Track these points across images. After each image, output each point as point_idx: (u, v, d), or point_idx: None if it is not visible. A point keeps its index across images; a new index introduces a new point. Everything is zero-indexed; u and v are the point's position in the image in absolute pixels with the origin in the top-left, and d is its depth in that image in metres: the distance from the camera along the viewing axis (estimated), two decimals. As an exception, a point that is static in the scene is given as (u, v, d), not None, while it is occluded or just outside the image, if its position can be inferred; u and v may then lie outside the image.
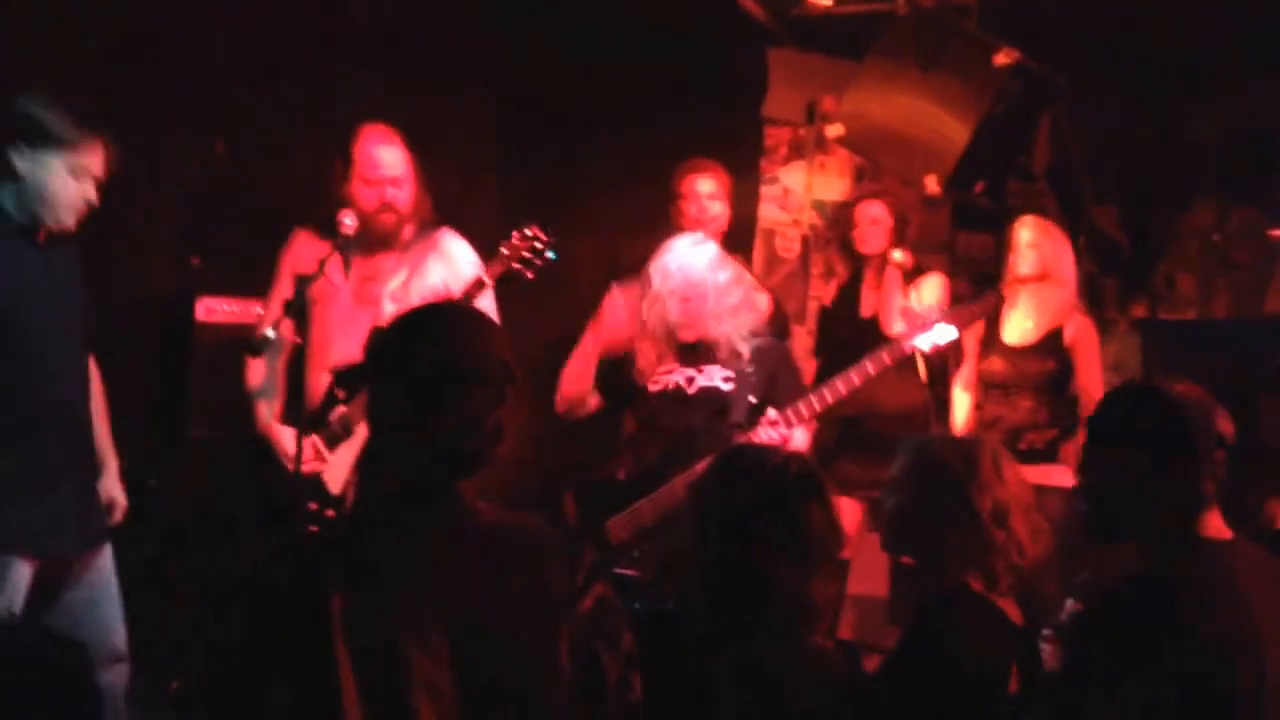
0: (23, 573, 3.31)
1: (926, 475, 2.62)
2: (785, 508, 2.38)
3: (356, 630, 1.95)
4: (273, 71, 4.72)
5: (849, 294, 5.12)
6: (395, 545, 2.05)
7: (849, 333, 5.01)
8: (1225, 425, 2.38)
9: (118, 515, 3.63)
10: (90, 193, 3.34)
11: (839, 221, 5.28)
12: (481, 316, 2.27)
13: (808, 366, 5.18)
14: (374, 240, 3.94)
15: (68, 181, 3.29)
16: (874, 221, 4.98)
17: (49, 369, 3.35)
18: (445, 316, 2.23)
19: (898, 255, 4.86)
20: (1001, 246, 5.05)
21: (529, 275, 3.91)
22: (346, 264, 3.81)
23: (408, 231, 4.02)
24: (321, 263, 3.72)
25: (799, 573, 2.37)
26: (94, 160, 3.32)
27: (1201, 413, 2.37)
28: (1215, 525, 2.40)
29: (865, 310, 5.05)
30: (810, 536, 2.39)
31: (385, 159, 3.92)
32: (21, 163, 3.27)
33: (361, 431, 3.78)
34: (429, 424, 2.09)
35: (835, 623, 5.07)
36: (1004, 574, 2.55)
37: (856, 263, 5.10)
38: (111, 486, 3.62)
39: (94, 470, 3.55)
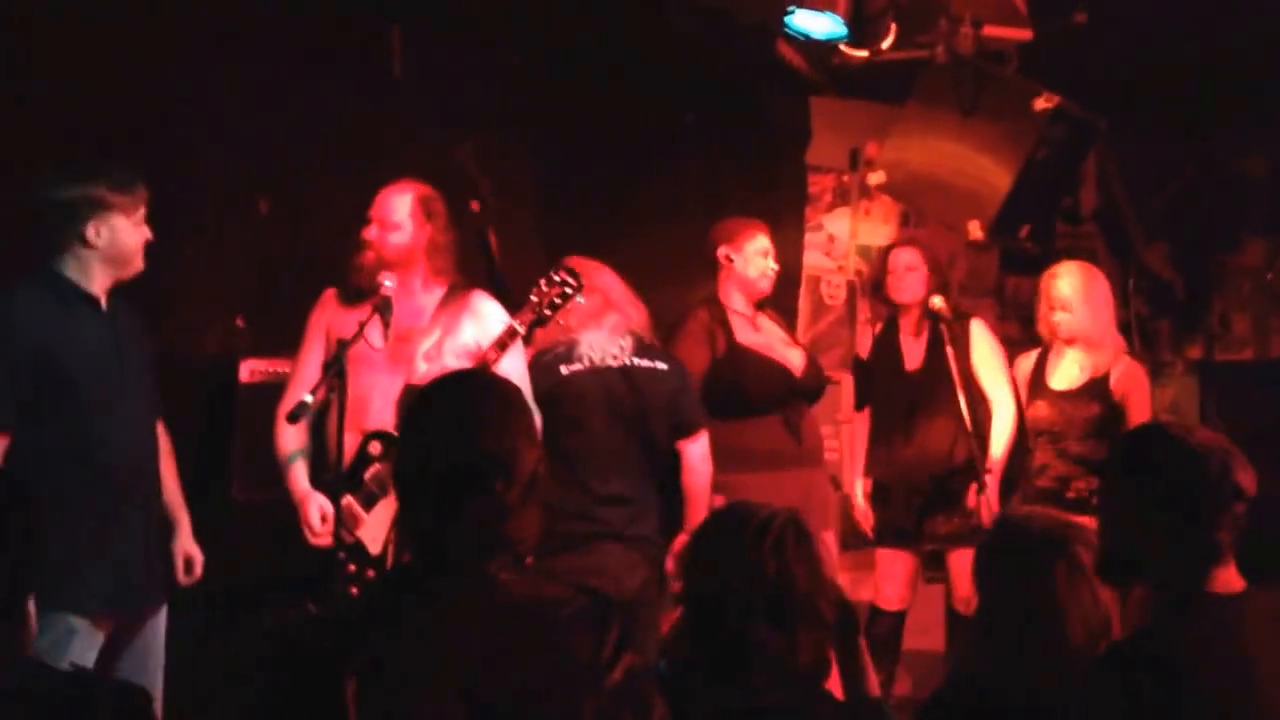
0: (95, 635, 3.37)
1: (998, 553, 2.60)
2: (764, 570, 2.33)
3: (371, 709, 1.94)
4: (315, 131, 4.75)
5: (887, 346, 5.04)
6: (416, 621, 2.03)
7: (896, 387, 4.93)
8: (1245, 478, 2.32)
9: (197, 570, 3.76)
10: (148, 232, 3.53)
11: (873, 268, 5.24)
12: (515, 406, 2.21)
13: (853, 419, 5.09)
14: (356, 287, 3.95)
15: (134, 235, 3.48)
16: (909, 269, 4.90)
17: (116, 434, 3.45)
18: (478, 406, 2.18)
19: (937, 301, 4.79)
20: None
21: (560, 321, 3.93)
22: (386, 325, 3.80)
23: (435, 290, 4.02)
24: (361, 325, 3.73)
25: (780, 636, 2.31)
26: (144, 206, 3.51)
27: (1217, 461, 2.31)
28: (1226, 578, 2.33)
29: (909, 363, 4.95)
30: (792, 598, 2.33)
31: (385, 201, 3.96)
32: (97, 237, 3.41)
33: None
34: (455, 513, 2.07)
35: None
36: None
37: (891, 310, 5.03)
38: (187, 543, 3.75)
39: (158, 532, 3.62)
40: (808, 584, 2.34)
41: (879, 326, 5.12)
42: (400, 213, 3.96)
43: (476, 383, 2.35)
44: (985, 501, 4.66)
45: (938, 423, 4.82)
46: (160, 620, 3.59)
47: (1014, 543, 2.60)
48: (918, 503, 4.83)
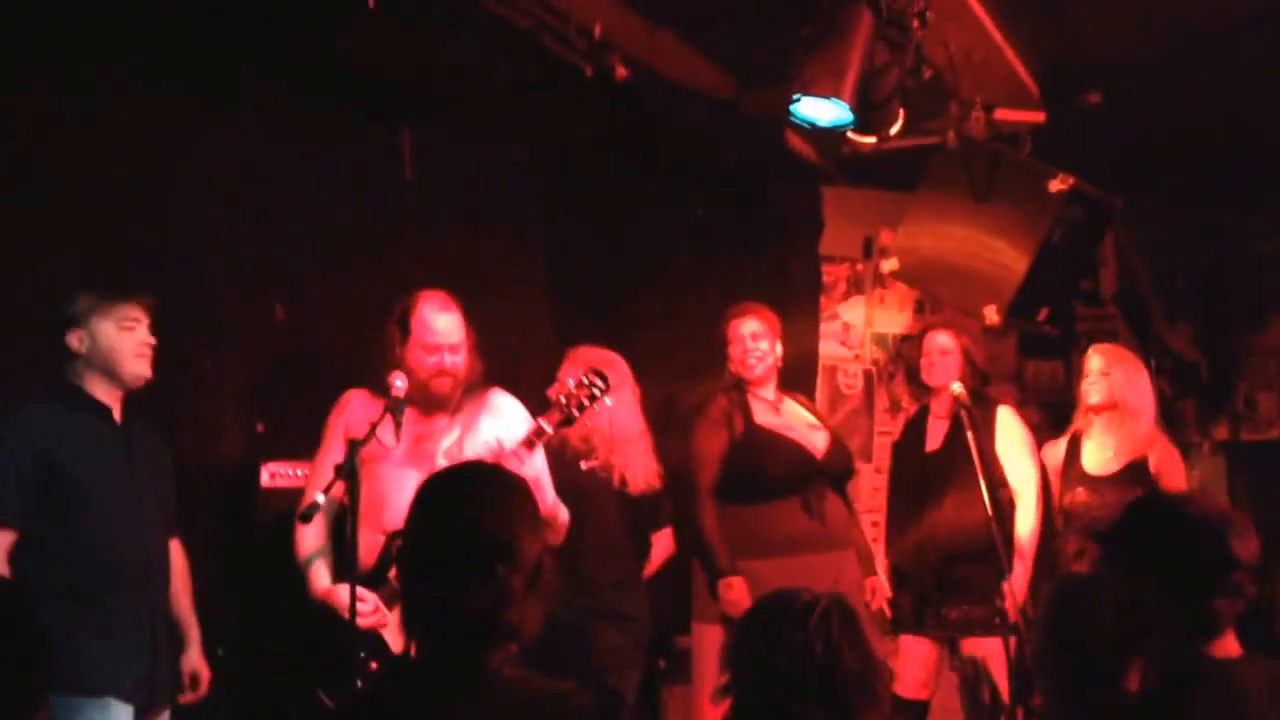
0: (122, 713, 3.42)
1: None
2: (811, 651, 2.28)
3: None
4: (329, 235, 4.78)
5: (915, 429, 5.03)
6: (415, 715, 2.02)
7: (914, 469, 4.90)
8: (1243, 547, 2.34)
9: (202, 688, 3.80)
10: (146, 336, 3.61)
11: (901, 354, 5.23)
12: (518, 494, 2.21)
13: (877, 502, 5.05)
14: (429, 403, 3.93)
15: (122, 336, 3.56)
16: (944, 352, 4.89)
17: (120, 535, 3.52)
18: (481, 494, 2.19)
19: (956, 387, 4.74)
20: (1071, 374, 4.97)
21: (586, 422, 3.94)
22: (398, 425, 3.79)
23: (459, 393, 4.01)
24: (373, 426, 3.71)
25: (834, 717, 2.26)
26: (136, 310, 3.60)
27: (1210, 531, 2.34)
28: (1225, 644, 2.36)
29: (930, 444, 4.93)
30: (843, 682, 2.28)
31: (442, 325, 3.91)
32: (80, 343, 3.53)
33: None
34: (457, 598, 2.06)
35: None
36: None
37: (924, 395, 5.01)
38: (195, 659, 3.80)
39: (167, 634, 3.68)
40: (857, 664, 2.30)
41: (914, 410, 5.09)
42: (459, 332, 3.95)
43: (480, 472, 2.37)
44: (1010, 589, 4.55)
45: (949, 505, 4.76)
46: None
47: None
48: (933, 586, 4.75)
